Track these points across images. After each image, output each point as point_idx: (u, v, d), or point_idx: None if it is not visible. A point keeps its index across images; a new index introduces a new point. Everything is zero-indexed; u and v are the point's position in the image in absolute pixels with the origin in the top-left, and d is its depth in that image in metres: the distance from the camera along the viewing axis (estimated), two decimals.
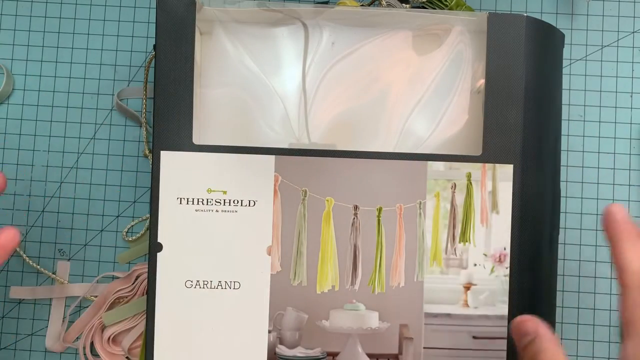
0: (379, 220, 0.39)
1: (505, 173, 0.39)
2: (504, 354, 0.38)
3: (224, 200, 0.38)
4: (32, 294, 0.47)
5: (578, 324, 0.46)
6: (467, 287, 0.39)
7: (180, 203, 0.38)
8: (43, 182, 0.47)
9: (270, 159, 0.38)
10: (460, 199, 0.39)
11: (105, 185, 0.47)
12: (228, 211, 0.38)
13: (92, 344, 0.45)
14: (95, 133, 0.47)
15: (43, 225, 0.47)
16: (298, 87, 0.39)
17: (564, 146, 0.46)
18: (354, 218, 0.39)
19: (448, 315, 0.38)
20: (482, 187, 0.39)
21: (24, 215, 0.47)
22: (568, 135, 0.47)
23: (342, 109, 0.40)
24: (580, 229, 0.46)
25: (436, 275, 0.39)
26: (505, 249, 0.39)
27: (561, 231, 0.46)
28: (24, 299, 0.47)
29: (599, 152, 0.47)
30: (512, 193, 0.39)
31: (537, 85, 0.39)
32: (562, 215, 0.46)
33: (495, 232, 0.39)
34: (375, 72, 0.40)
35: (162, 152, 0.38)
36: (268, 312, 0.38)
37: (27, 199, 0.47)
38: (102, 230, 0.47)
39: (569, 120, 0.47)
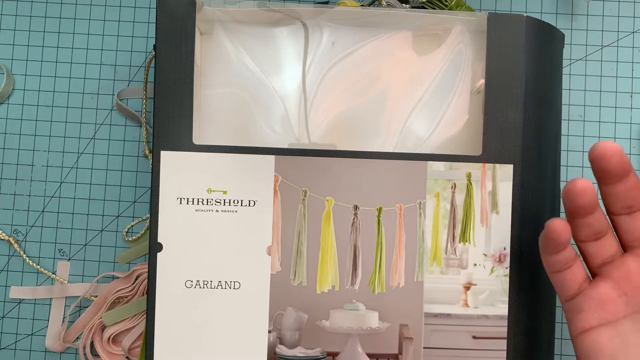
0: (379, 220, 0.39)
1: (505, 173, 0.39)
2: (504, 354, 0.38)
3: (224, 200, 0.38)
4: (32, 294, 0.47)
5: None
6: (467, 287, 0.39)
7: (181, 203, 0.38)
8: (43, 182, 0.47)
9: (270, 159, 0.38)
10: (460, 199, 0.39)
11: (105, 185, 0.47)
12: (228, 211, 0.38)
13: (92, 344, 0.46)
14: (95, 133, 0.47)
15: (43, 225, 0.47)
16: (298, 87, 0.39)
17: (564, 146, 0.46)
18: (354, 218, 0.39)
19: (448, 315, 0.38)
20: (482, 187, 0.39)
21: (24, 215, 0.47)
22: (568, 135, 0.47)
23: (342, 109, 0.40)
24: None
25: (436, 275, 0.39)
26: (505, 249, 0.39)
27: None
28: (24, 299, 0.47)
29: None
30: (512, 193, 0.39)
31: (537, 85, 0.39)
32: (562, 215, 0.46)
33: (495, 232, 0.39)
34: (375, 72, 0.40)
35: (162, 152, 0.38)
36: (268, 312, 0.38)
37: (27, 199, 0.47)
38: (102, 230, 0.47)
39: (569, 120, 0.47)
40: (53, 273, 0.47)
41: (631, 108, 0.47)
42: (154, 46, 0.39)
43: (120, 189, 0.47)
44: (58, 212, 0.47)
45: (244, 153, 0.38)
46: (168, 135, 0.38)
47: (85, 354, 0.45)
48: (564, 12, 0.48)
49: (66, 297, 0.47)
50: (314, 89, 0.39)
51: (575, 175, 0.46)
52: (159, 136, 0.38)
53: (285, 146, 0.39)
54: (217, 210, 0.38)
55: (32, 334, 0.47)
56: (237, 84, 0.39)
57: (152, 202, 0.38)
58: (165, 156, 0.38)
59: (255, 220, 0.38)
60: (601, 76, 0.47)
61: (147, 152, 0.47)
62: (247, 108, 0.39)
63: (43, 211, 0.47)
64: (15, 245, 0.47)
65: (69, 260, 0.47)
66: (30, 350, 0.47)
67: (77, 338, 0.46)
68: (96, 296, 0.46)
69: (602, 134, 0.47)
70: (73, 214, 0.47)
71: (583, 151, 0.47)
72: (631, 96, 0.47)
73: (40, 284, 0.47)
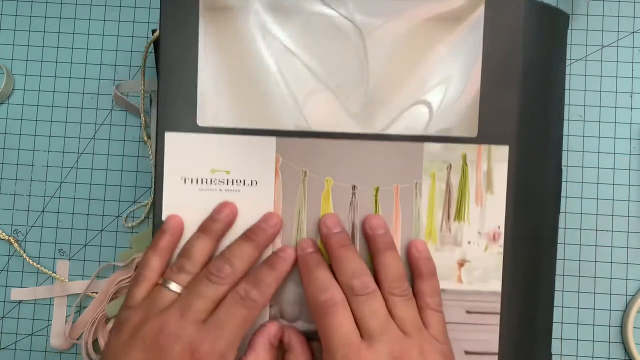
0: (376, 200, 0.39)
1: (500, 154, 0.39)
2: (497, 328, 0.39)
3: (227, 180, 0.39)
4: (33, 294, 0.47)
5: (578, 324, 0.46)
6: (461, 264, 0.39)
7: (185, 183, 0.39)
8: (43, 182, 0.47)
9: (272, 140, 0.39)
10: (455, 180, 0.39)
11: (105, 185, 0.47)
12: (231, 190, 0.39)
13: (96, 341, 0.46)
14: (95, 133, 0.47)
15: (43, 225, 0.47)
16: (301, 70, 0.39)
17: (564, 146, 0.46)
18: (352, 197, 0.39)
19: (443, 290, 0.39)
20: (478, 167, 0.39)
21: (24, 215, 0.47)
22: (568, 135, 0.47)
23: (342, 90, 0.39)
24: (580, 229, 0.46)
25: (431, 252, 0.39)
26: (499, 227, 0.39)
27: (561, 231, 0.46)
28: (24, 299, 0.47)
29: (598, 152, 0.47)
30: (508, 174, 0.39)
31: (536, 66, 0.39)
32: (562, 215, 0.46)
33: (489, 211, 0.39)
34: (380, 54, 0.39)
35: (166, 133, 0.39)
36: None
37: (27, 199, 0.47)
38: (102, 230, 0.47)
39: (569, 120, 0.47)
40: (53, 272, 0.47)
41: (631, 108, 0.47)
42: (153, 31, 0.39)
43: (120, 189, 0.47)
44: (58, 212, 0.47)
45: (246, 135, 0.39)
46: (172, 117, 0.39)
47: (87, 351, 0.45)
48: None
49: (67, 296, 0.47)
50: (316, 72, 0.39)
51: (576, 175, 0.47)
52: (164, 118, 0.39)
53: (287, 128, 0.39)
54: (220, 190, 0.39)
55: (32, 334, 0.47)
56: (241, 65, 0.39)
57: (156, 182, 0.39)
58: (170, 137, 0.39)
59: (257, 199, 0.39)
60: (601, 76, 0.47)
61: (145, 137, 0.47)
62: (250, 90, 0.39)
63: (43, 211, 0.47)
64: (15, 245, 0.47)
65: (69, 260, 0.47)
66: (30, 350, 0.47)
67: (82, 335, 0.46)
68: (97, 293, 0.46)
69: (602, 134, 0.47)
70: (73, 214, 0.47)
71: (583, 151, 0.47)
72: (631, 96, 0.47)
73: (40, 284, 0.47)
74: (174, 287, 0.36)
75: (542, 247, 0.41)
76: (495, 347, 0.39)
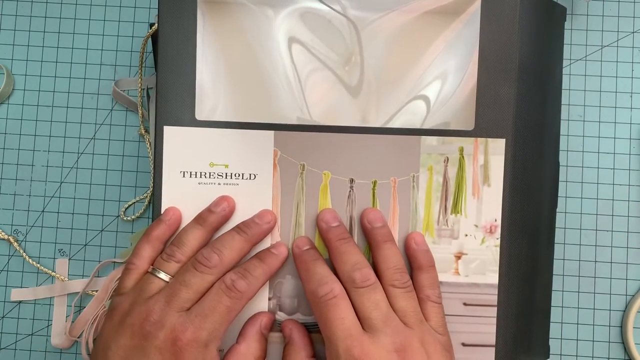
0: (373, 193, 0.39)
1: (497, 147, 0.39)
2: (494, 320, 0.39)
3: (226, 173, 0.39)
4: (34, 294, 0.47)
5: (578, 323, 0.46)
6: (458, 257, 0.40)
7: (184, 176, 0.39)
8: (43, 182, 0.47)
9: (270, 134, 0.39)
10: (452, 172, 0.40)
11: (105, 185, 0.47)
12: (229, 184, 0.39)
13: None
14: (95, 133, 0.47)
15: (43, 225, 0.47)
16: (298, 65, 0.40)
17: (563, 146, 0.46)
18: (350, 191, 0.39)
19: (440, 283, 0.39)
20: (474, 160, 0.39)
21: (24, 215, 0.47)
22: (568, 135, 0.47)
23: (340, 85, 0.40)
24: (580, 229, 0.46)
25: (428, 245, 0.39)
26: (496, 220, 0.39)
27: (561, 231, 0.46)
28: (24, 299, 0.47)
29: (598, 152, 0.47)
30: (504, 166, 0.39)
31: (533, 59, 0.39)
32: (562, 215, 0.46)
33: (486, 204, 0.40)
34: (378, 49, 0.40)
35: (165, 127, 0.39)
36: (268, 281, 0.39)
37: (27, 199, 0.47)
38: (102, 230, 0.47)
39: (568, 120, 0.47)
40: (53, 271, 0.47)
41: (631, 108, 0.47)
42: (151, 25, 0.39)
43: (120, 189, 0.47)
44: (58, 212, 0.47)
45: (245, 128, 0.39)
46: (171, 111, 0.39)
47: (87, 348, 0.45)
48: None
49: (67, 295, 0.47)
50: (314, 67, 0.40)
51: (576, 175, 0.47)
52: (162, 112, 0.39)
53: (285, 122, 0.39)
54: (219, 184, 0.39)
55: (32, 334, 0.47)
56: (239, 58, 0.39)
57: (155, 176, 0.39)
58: (169, 131, 0.39)
59: (256, 193, 0.39)
60: (601, 76, 0.47)
61: (142, 131, 0.47)
62: (248, 83, 0.39)
63: (43, 211, 0.47)
64: (15, 245, 0.47)
65: (69, 259, 0.47)
66: (30, 350, 0.47)
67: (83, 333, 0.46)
68: (97, 291, 0.46)
69: (602, 134, 0.47)
70: (73, 214, 0.47)
71: (583, 151, 0.47)
72: (631, 96, 0.47)
73: (40, 284, 0.47)
74: (163, 275, 0.37)
75: (539, 240, 0.41)
76: (492, 340, 0.39)
